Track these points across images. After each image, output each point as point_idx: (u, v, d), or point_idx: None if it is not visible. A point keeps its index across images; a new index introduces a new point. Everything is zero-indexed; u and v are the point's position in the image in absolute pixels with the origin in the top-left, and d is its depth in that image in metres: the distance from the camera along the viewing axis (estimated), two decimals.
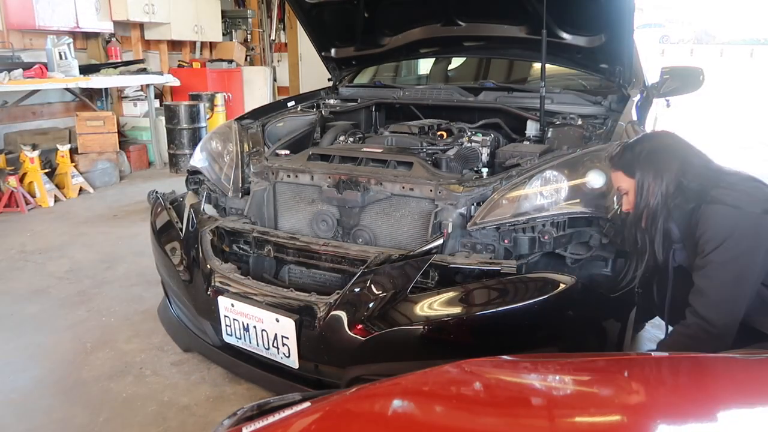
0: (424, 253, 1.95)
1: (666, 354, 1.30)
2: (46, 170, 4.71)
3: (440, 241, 1.99)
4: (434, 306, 1.84)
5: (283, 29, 8.90)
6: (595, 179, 2.01)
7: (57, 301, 2.91)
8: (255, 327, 1.99)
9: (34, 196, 4.58)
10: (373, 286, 1.87)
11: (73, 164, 4.99)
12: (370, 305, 1.84)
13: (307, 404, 1.03)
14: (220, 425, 1.06)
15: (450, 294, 1.85)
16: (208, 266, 2.14)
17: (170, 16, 6.40)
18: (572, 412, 0.94)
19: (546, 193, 2.02)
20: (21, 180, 4.51)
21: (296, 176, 2.36)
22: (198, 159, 2.65)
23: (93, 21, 5.51)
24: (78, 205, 4.72)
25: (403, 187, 2.17)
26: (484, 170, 2.31)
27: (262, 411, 1.07)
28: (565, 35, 2.77)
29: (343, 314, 1.86)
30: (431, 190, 2.13)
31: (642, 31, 22.23)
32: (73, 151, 5.14)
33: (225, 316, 2.05)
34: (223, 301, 2.04)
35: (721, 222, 1.60)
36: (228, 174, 2.49)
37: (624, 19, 2.44)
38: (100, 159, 5.28)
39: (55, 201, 4.70)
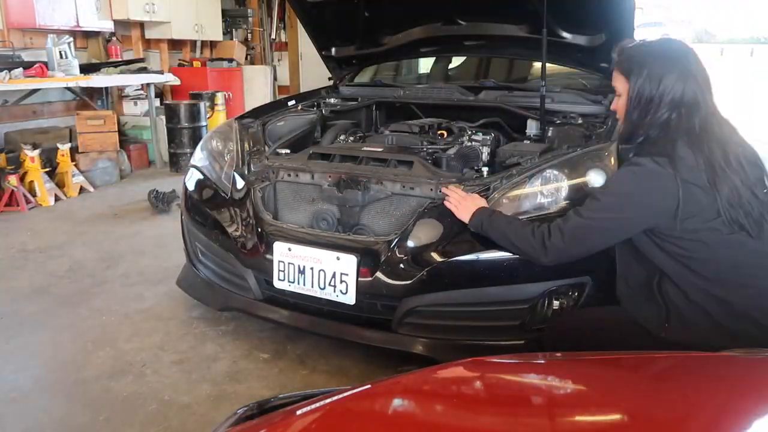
0: (480, 193, 2.07)
1: (666, 354, 1.30)
2: (47, 169, 4.70)
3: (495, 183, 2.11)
4: (483, 240, 1.96)
5: (284, 28, 8.90)
6: (595, 178, 2.02)
7: (57, 300, 2.91)
8: (312, 268, 2.13)
9: (34, 195, 4.58)
10: (430, 224, 2.06)
11: (74, 163, 4.98)
12: (430, 241, 2.03)
13: (307, 403, 1.03)
14: (221, 424, 1.06)
15: None
16: (264, 216, 2.30)
17: (171, 15, 6.39)
18: (572, 411, 0.94)
19: (546, 192, 2.03)
20: (21, 179, 4.51)
21: (297, 175, 2.36)
22: (198, 158, 2.65)
23: (93, 20, 5.50)
24: (78, 204, 4.72)
25: (404, 186, 2.17)
26: (485, 169, 2.31)
27: (263, 410, 1.07)
28: (565, 34, 2.78)
29: (405, 249, 2.04)
30: (432, 189, 2.13)
31: (642, 30, 22.21)
32: (74, 150, 5.13)
33: (279, 261, 2.18)
34: (279, 247, 2.18)
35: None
36: (228, 173, 2.49)
37: (624, 19, 2.45)
38: (101, 158, 5.28)
39: (56, 200, 4.70)
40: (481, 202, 1.94)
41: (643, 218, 1.52)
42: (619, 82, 1.64)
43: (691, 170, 1.47)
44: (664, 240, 1.52)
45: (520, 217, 1.94)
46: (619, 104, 1.65)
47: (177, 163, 5.76)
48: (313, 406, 0.97)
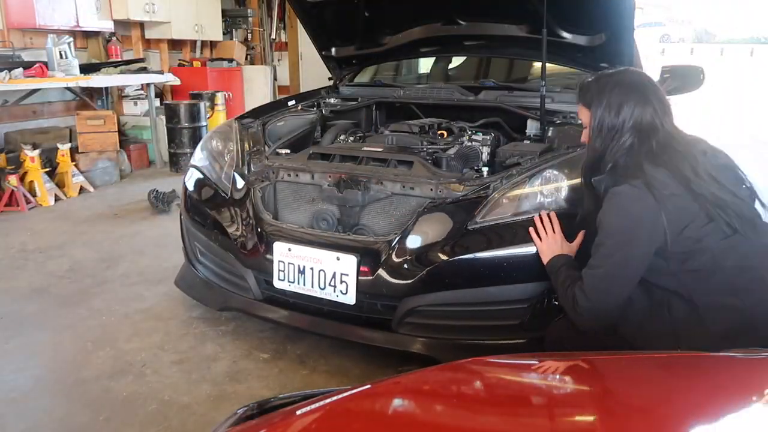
0: (477, 194, 2.08)
1: (666, 354, 1.30)
2: (47, 169, 4.70)
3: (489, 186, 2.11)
4: (483, 240, 2.00)
5: (284, 28, 8.90)
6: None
7: (57, 300, 2.91)
8: (312, 268, 2.14)
9: (34, 195, 4.58)
10: (430, 224, 2.06)
11: (74, 163, 4.98)
12: (430, 240, 2.03)
13: (307, 403, 1.03)
14: (221, 424, 1.06)
15: (501, 228, 2.01)
16: (263, 216, 2.30)
17: (171, 15, 6.39)
18: (572, 411, 0.94)
19: (546, 192, 2.03)
20: (21, 179, 4.51)
21: (297, 175, 2.36)
22: (198, 158, 2.65)
23: (93, 20, 5.50)
24: (78, 204, 4.72)
25: (404, 186, 2.17)
26: (485, 169, 2.31)
27: (263, 410, 1.07)
28: (565, 34, 2.78)
29: (405, 249, 2.04)
30: (431, 189, 2.13)
31: (642, 30, 22.20)
32: (74, 150, 5.14)
33: (279, 261, 2.19)
34: (279, 247, 2.19)
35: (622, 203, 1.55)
36: (228, 173, 2.49)
37: (624, 18, 2.45)
38: (101, 158, 5.28)
39: (56, 200, 4.70)
40: (566, 249, 1.85)
41: (648, 243, 1.53)
42: (584, 115, 1.71)
43: (666, 185, 1.51)
44: (669, 259, 1.53)
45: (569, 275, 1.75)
46: (585, 135, 1.72)
47: (177, 163, 5.76)
48: (313, 406, 0.97)
